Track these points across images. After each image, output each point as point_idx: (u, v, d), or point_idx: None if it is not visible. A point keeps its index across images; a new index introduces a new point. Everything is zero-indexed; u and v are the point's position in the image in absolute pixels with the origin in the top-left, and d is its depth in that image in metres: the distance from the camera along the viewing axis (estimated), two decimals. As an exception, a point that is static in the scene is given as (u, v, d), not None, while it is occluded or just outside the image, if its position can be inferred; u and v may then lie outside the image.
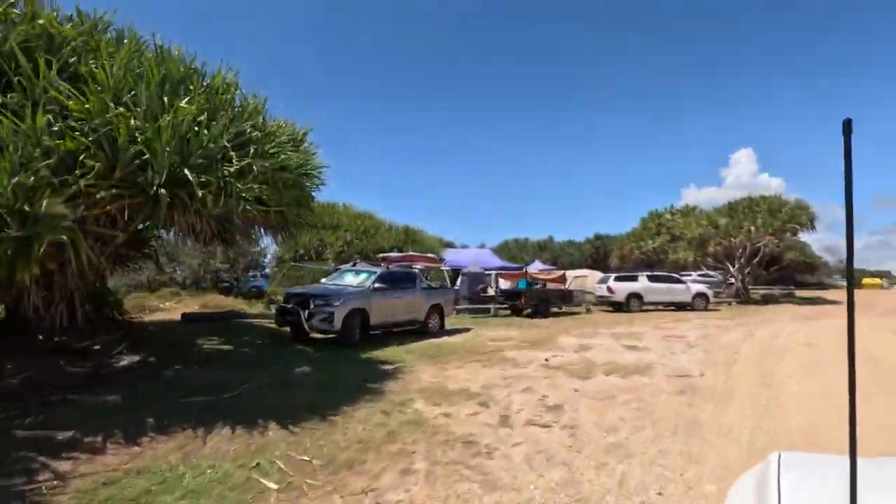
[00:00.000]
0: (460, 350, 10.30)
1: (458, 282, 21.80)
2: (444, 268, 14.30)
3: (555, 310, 21.02)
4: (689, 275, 37.85)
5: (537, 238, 53.77)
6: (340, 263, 17.17)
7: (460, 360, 9.04)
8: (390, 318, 11.27)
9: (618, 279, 22.00)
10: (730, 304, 25.00)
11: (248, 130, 6.25)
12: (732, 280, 27.93)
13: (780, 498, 1.11)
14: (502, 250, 53.86)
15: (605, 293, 21.80)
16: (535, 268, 46.14)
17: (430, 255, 14.31)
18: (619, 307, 21.72)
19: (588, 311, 22.01)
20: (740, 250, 27.08)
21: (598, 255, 47.22)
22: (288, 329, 10.57)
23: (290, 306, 10.03)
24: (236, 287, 20.90)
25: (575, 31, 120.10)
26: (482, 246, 48.95)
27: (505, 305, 19.66)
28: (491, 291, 20.30)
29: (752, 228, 24.62)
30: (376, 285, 10.94)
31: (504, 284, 21.09)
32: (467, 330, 13.93)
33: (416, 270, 12.96)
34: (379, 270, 11.54)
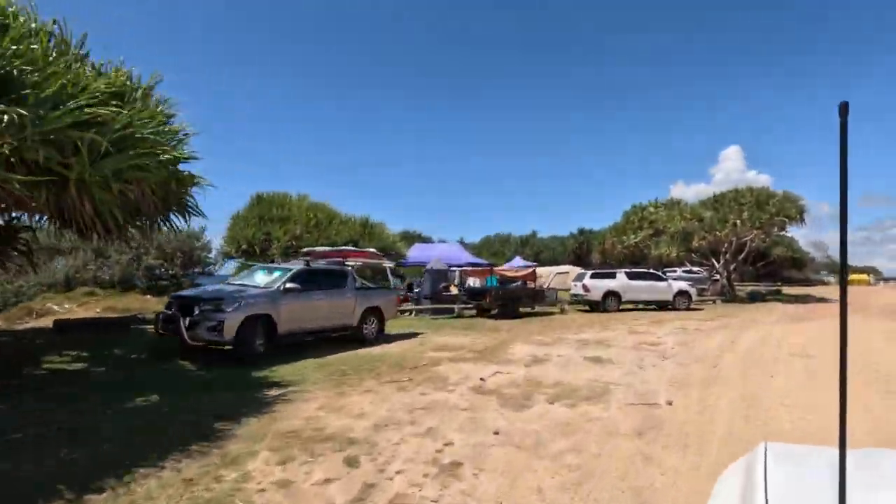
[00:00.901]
0: (387, 364, 8.49)
1: (422, 280, 20.02)
2: (387, 265, 12.46)
3: (527, 310, 19.35)
4: (675, 271, 36.59)
5: (520, 234, 52.10)
6: (290, 259, 15.32)
7: (376, 380, 7.24)
8: (307, 324, 9.42)
9: (594, 276, 20.33)
10: (714, 302, 23.48)
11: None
12: (717, 277, 26.44)
13: (766, 488, 1.13)
14: (484, 246, 52.24)
15: (581, 291, 20.14)
16: (515, 264, 44.51)
17: (370, 250, 12.46)
18: (595, 307, 20.09)
19: (562, 311, 20.34)
20: (726, 245, 25.58)
21: (581, 250, 45.69)
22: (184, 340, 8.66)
23: (171, 312, 8.13)
24: (175, 286, 18.88)
25: (567, 24, 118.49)
26: (461, 241, 47.23)
27: (470, 305, 17.91)
28: (454, 290, 18.51)
29: (738, 222, 23.10)
30: (288, 285, 9.07)
31: (476, 283, 19.37)
32: (415, 335, 12.13)
33: (349, 267, 11.12)
34: (295, 268, 9.67)
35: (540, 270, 39.54)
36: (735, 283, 43.68)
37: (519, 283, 20.26)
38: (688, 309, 20.30)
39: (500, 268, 20.05)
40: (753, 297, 24.54)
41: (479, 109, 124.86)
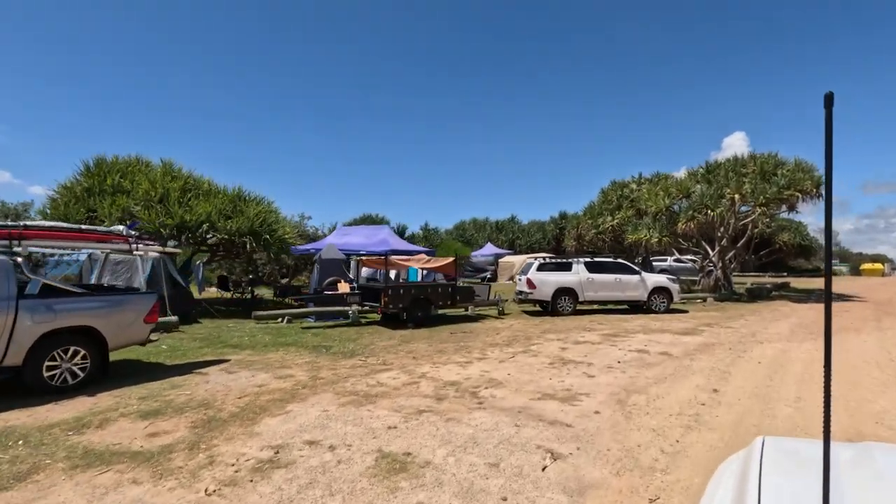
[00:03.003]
0: None
1: (313, 273, 15.08)
2: (137, 252, 7.48)
3: (462, 311, 14.46)
4: (664, 260, 31.57)
5: (496, 218, 46.94)
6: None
7: None
8: None
9: (542, 269, 15.31)
10: (704, 301, 18.43)
11: None
12: (711, 267, 21.37)
13: (761, 481, 1.14)
14: (458, 231, 47.27)
15: (525, 288, 15.16)
16: (486, 252, 39.52)
17: (100, 229, 7.46)
18: (547, 308, 15.16)
19: (502, 312, 15.38)
20: (721, 229, 20.49)
21: (561, 235, 40.60)
22: None
23: None
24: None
25: (561, 8, 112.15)
26: (426, 227, 42.10)
27: (374, 307, 13.00)
28: (343, 287, 13.52)
29: (737, 197, 17.99)
30: None
31: (384, 275, 14.43)
32: (201, 367, 7.19)
33: (13, 261, 6.13)
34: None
35: (513, 259, 34.60)
36: (734, 275, 38.62)
37: (439, 276, 15.35)
38: (667, 311, 15.31)
39: (419, 260, 15.01)
40: (755, 294, 19.50)
41: (480, 95, 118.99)
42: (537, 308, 16.05)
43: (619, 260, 15.70)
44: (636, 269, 15.54)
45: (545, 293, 15.01)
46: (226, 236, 13.67)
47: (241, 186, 15.43)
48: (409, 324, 12.66)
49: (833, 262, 53.30)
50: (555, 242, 41.42)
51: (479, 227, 46.90)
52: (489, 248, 39.50)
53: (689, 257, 26.35)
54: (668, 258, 30.20)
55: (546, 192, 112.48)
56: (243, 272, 26.33)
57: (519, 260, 30.80)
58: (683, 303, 18.28)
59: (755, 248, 41.46)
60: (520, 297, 15.53)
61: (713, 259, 20.90)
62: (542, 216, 49.41)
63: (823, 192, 18.83)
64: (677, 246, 22.05)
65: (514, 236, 42.11)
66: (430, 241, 38.39)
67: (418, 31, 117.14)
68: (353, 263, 15.05)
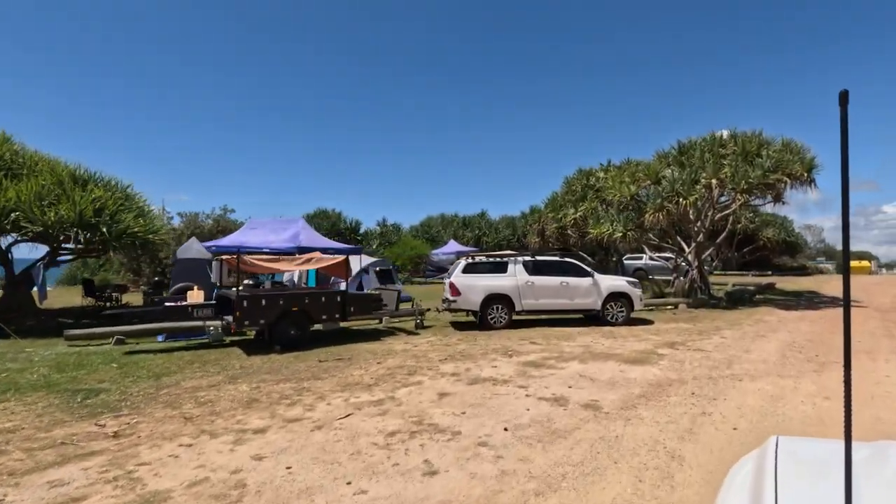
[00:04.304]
0: None
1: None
2: None
3: (364, 324, 11.30)
4: (640, 258, 28.62)
5: (464, 214, 43.72)
6: None
7: None
8: None
9: (469, 270, 12.14)
10: (675, 308, 15.39)
11: None
12: (687, 267, 18.35)
13: (776, 481, 1.13)
14: (424, 228, 44.03)
15: (449, 295, 11.99)
16: (449, 250, 36.23)
17: None
18: (480, 319, 12.05)
19: (420, 325, 12.20)
20: (698, 223, 17.49)
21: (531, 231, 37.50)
22: None
23: None
24: None
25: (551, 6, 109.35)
26: (383, 223, 38.76)
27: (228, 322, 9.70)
28: (195, 296, 10.17)
29: (714, 183, 14.97)
30: None
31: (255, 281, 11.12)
32: None
33: None
34: None
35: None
36: (716, 274, 35.83)
37: (333, 279, 12.14)
38: (626, 322, 12.21)
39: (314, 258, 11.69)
40: (736, 299, 16.51)
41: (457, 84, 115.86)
42: (471, 318, 12.86)
43: (568, 259, 12.56)
44: (588, 270, 12.40)
45: (472, 301, 11.83)
46: (40, 228, 10.24)
47: (83, 165, 11.95)
48: (275, 346, 9.41)
49: (820, 260, 51.09)
50: (525, 239, 38.34)
51: (446, 223, 43.65)
52: (452, 246, 36.28)
53: (666, 255, 23.44)
54: (644, 256, 27.31)
55: (523, 186, 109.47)
56: (154, 274, 22.80)
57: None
58: (650, 310, 15.23)
59: (738, 244, 38.74)
60: (445, 305, 12.33)
61: (688, 257, 17.90)
62: (515, 211, 46.23)
63: (814, 177, 15.92)
64: (647, 241, 19.03)
65: (480, 232, 38.91)
66: (387, 237, 35.09)
67: (393, 30, 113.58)
68: (215, 265, 11.71)
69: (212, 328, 10.24)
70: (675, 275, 18.75)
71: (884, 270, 51.04)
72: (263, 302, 9.41)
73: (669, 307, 15.51)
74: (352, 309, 10.51)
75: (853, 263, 47.19)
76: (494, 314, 11.87)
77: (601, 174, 21.39)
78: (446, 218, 44.77)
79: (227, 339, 10.67)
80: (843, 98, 0.86)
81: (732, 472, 1.36)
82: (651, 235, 19.26)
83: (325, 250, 16.00)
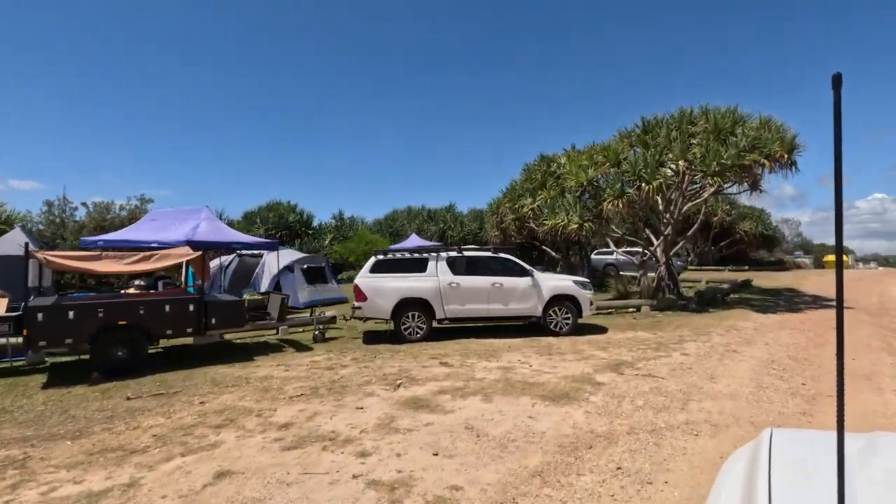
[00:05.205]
0: None
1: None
2: None
3: (256, 334, 8.98)
4: (611, 253, 26.62)
5: (432, 207, 41.33)
6: None
7: None
8: None
9: (379, 269, 9.81)
10: (637, 311, 13.29)
11: None
12: (657, 262, 16.28)
13: (770, 472, 1.13)
14: (388, 221, 41.60)
15: (355, 301, 9.66)
16: (411, 244, 33.88)
17: None
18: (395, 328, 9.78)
19: (320, 337, 9.86)
20: (667, 214, 15.40)
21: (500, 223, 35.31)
22: None
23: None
24: None
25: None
26: (339, 216, 36.12)
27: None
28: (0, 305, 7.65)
29: (682, 164, 12.85)
30: None
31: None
32: None
33: None
34: None
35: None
36: (691, 269, 34.05)
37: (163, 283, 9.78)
38: (573, 331, 10.03)
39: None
40: (706, 300, 14.46)
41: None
42: (386, 327, 10.52)
43: (503, 255, 10.29)
44: (527, 268, 10.16)
45: (381, 308, 9.53)
46: None
47: None
48: (93, 373, 6.98)
49: (797, 254, 49.97)
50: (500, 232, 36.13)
51: (412, 216, 41.23)
52: (413, 241, 33.82)
53: (633, 249, 21.47)
54: (615, 250, 25.30)
55: (498, 179, 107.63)
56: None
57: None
58: (609, 313, 13.11)
59: (714, 238, 37.09)
60: (352, 313, 9.97)
61: (656, 252, 15.83)
62: (484, 205, 43.98)
63: (795, 159, 13.92)
64: (609, 234, 16.91)
65: (445, 226, 36.54)
66: (343, 231, 32.52)
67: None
68: (31, 265, 9.15)
69: (8, 351, 7.75)
70: (641, 272, 16.68)
71: (860, 264, 50.19)
72: (72, 314, 6.95)
73: (631, 309, 13.40)
74: (213, 320, 8.10)
75: (831, 258, 46.05)
76: (409, 323, 9.58)
77: (563, 160, 19.18)
78: (413, 210, 42.35)
79: (50, 361, 8.22)
80: (837, 81, 0.81)
81: (725, 467, 1.34)
82: (614, 227, 17.17)
83: (227, 245, 13.59)
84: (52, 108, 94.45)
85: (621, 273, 23.94)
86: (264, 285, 16.45)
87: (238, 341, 10.00)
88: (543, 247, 24.65)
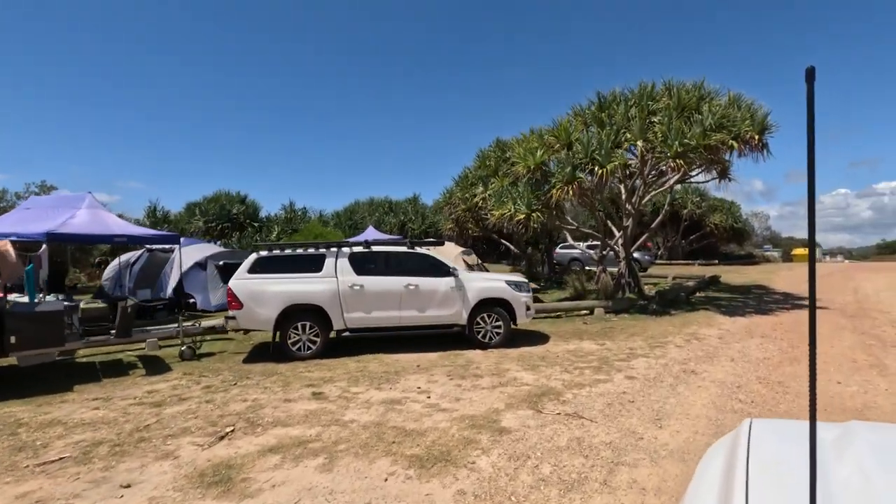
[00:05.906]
0: None
1: None
2: None
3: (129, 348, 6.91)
4: (575, 247, 25.08)
5: (395, 198, 39.28)
6: None
7: None
8: None
9: (261, 267, 7.85)
10: (590, 313, 11.65)
11: None
12: (617, 257, 14.67)
13: (748, 462, 1.11)
14: (348, 213, 39.50)
15: (230, 311, 7.68)
16: (367, 237, 31.89)
17: None
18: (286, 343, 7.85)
19: (190, 353, 7.86)
20: (628, 205, 13.78)
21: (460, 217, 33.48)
22: None
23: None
24: None
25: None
26: (289, 207, 33.74)
27: None
28: None
29: (640, 145, 11.20)
30: None
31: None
32: None
33: None
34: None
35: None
36: (659, 263, 32.83)
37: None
38: (505, 342, 8.26)
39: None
40: (669, 300, 12.93)
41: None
42: (266, 338, 8.55)
43: (419, 250, 8.43)
44: (448, 267, 8.33)
45: (261, 318, 7.59)
46: None
47: None
48: None
49: (766, 248, 49.61)
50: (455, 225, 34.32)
51: (374, 208, 39.12)
52: (370, 234, 31.89)
53: (593, 244, 19.92)
54: (581, 244, 23.67)
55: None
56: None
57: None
58: (558, 317, 11.43)
59: (684, 231, 36.02)
60: (228, 322, 7.98)
61: (616, 247, 14.22)
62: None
63: (767, 140, 12.37)
64: (564, 225, 15.21)
65: (406, 218, 34.54)
66: (293, 223, 30.20)
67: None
68: None
69: None
70: (599, 268, 15.07)
71: (826, 258, 50.15)
72: None
73: (584, 312, 11.74)
74: (11, 339, 6.04)
75: (799, 251, 45.70)
76: (299, 337, 7.66)
77: (518, 147, 17.41)
78: (375, 202, 40.21)
79: None
80: (810, 75, 0.81)
81: (704, 461, 1.31)
82: (570, 218, 15.52)
83: (109, 238, 11.42)
84: (51, 108, 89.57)
85: (587, 268, 22.46)
86: (171, 284, 14.29)
87: (89, 359, 7.94)
88: (506, 242, 22.98)
